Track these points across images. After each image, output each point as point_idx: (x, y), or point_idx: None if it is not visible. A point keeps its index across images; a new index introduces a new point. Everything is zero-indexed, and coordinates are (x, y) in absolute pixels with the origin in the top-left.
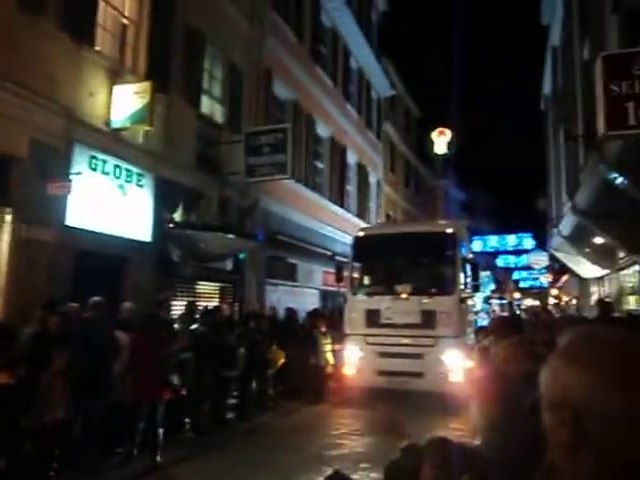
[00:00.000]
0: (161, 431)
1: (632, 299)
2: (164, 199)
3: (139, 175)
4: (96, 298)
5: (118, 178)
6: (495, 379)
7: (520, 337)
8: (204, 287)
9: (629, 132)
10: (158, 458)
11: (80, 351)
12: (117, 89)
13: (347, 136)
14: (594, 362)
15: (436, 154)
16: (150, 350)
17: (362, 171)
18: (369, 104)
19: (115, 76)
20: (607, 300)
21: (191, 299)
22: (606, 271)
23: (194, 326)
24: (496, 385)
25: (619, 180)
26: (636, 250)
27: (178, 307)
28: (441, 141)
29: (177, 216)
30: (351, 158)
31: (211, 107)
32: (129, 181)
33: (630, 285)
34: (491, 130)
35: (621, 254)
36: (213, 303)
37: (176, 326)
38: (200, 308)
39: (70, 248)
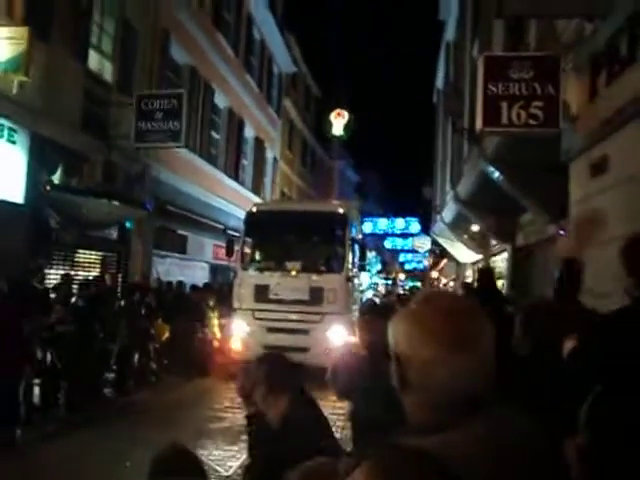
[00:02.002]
0: (23, 408)
1: (499, 283)
2: (42, 159)
3: (11, 130)
4: None
5: None
6: (355, 352)
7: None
8: (85, 256)
9: (500, 130)
10: (18, 433)
11: None
12: None
13: (246, 109)
14: (410, 319)
15: (333, 135)
16: (11, 321)
17: (259, 146)
18: (270, 78)
19: None
20: (469, 282)
21: (70, 268)
22: (480, 256)
23: (73, 297)
24: (356, 357)
25: (495, 175)
26: (505, 239)
27: (55, 276)
28: (338, 123)
29: (56, 178)
30: (248, 132)
31: (100, 64)
32: None
33: (498, 270)
34: (387, 118)
35: (493, 242)
36: (94, 273)
37: (52, 297)
38: (79, 278)
39: None
